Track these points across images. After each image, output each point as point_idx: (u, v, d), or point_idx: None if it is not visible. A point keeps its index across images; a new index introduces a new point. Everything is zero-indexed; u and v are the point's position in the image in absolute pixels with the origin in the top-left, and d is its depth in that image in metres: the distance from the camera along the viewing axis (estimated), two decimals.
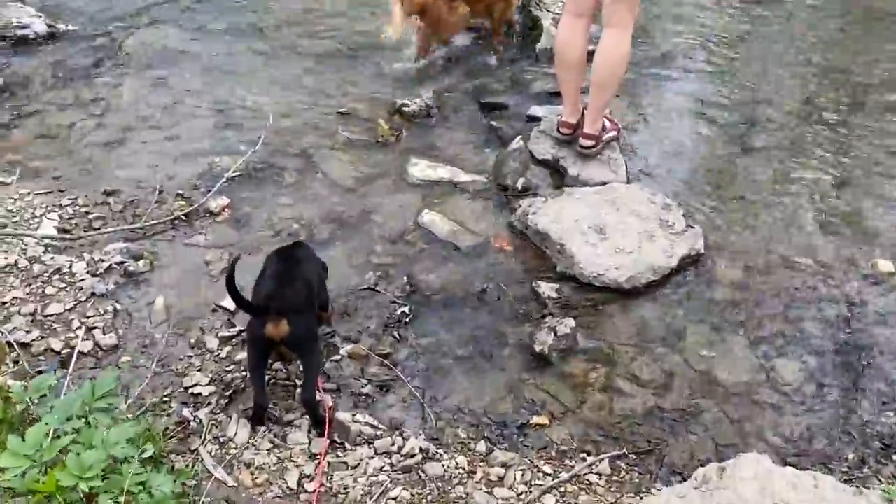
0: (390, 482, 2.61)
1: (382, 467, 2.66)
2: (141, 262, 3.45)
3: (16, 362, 2.94)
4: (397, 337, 3.16)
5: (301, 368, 2.79)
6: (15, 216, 3.67)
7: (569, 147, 4.03)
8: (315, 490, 2.54)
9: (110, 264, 3.44)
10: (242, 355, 3.00)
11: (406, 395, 2.94)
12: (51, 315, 3.17)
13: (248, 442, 2.71)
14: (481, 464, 2.72)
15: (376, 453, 2.69)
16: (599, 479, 2.68)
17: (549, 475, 2.68)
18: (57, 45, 5.12)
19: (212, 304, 3.29)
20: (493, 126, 4.46)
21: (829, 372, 3.06)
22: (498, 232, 3.75)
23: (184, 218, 3.73)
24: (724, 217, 3.82)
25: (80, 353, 3.02)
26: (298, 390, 2.80)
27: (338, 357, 3.06)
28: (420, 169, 4.11)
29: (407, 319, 3.23)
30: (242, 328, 3.09)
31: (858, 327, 3.24)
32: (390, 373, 3.01)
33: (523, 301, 3.36)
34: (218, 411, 2.83)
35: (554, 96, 4.49)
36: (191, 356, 3.06)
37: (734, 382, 3.02)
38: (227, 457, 2.66)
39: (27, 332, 3.07)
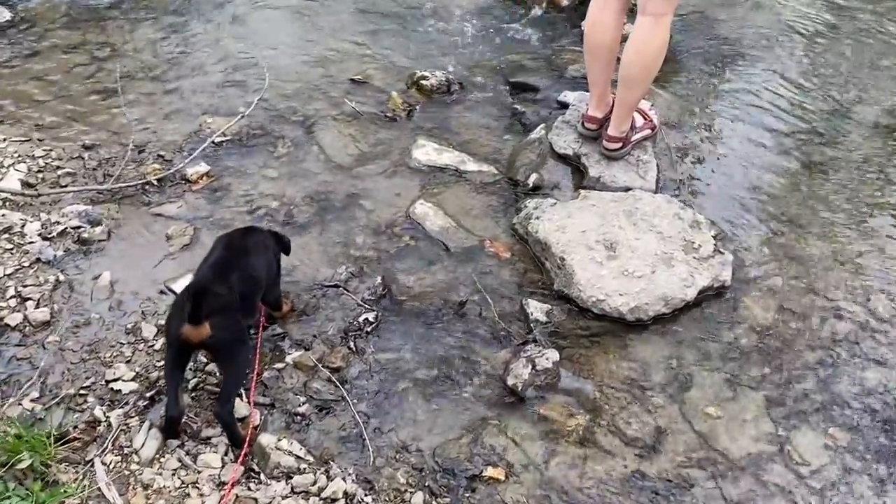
0: None
1: None
2: (98, 229, 3.07)
3: None
4: (353, 348, 2.69)
5: (221, 377, 2.37)
6: None
7: (594, 142, 3.43)
8: None
9: (66, 227, 3.07)
10: None
11: (348, 421, 2.47)
12: None
13: (153, 457, 2.31)
14: None
15: (293, 491, 2.23)
16: None
17: None
18: None
19: (161, 284, 2.89)
20: (517, 110, 3.88)
21: (860, 455, 2.44)
22: (496, 234, 3.20)
23: (155, 183, 3.32)
24: (765, 243, 3.17)
25: (7, 325, 2.68)
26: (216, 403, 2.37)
27: (282, 365, 2.62)
28: (425, 152, 3.58)
29: (370, 328, 2.75)
30: None
31: None
32: (336, 391, 2.55)
33: (508, 320, 2.83)
34: (133, 414, 2.43)
35: None
36: (123, 344, 2.67)
37: (739, 453, 2.44)
38: (127, 473, 2.27)
39: None
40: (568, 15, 4.67)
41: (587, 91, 3.42)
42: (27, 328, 2.69)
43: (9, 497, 1.83)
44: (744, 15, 4.73)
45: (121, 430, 2.37)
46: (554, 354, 2.61)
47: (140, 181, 3.31)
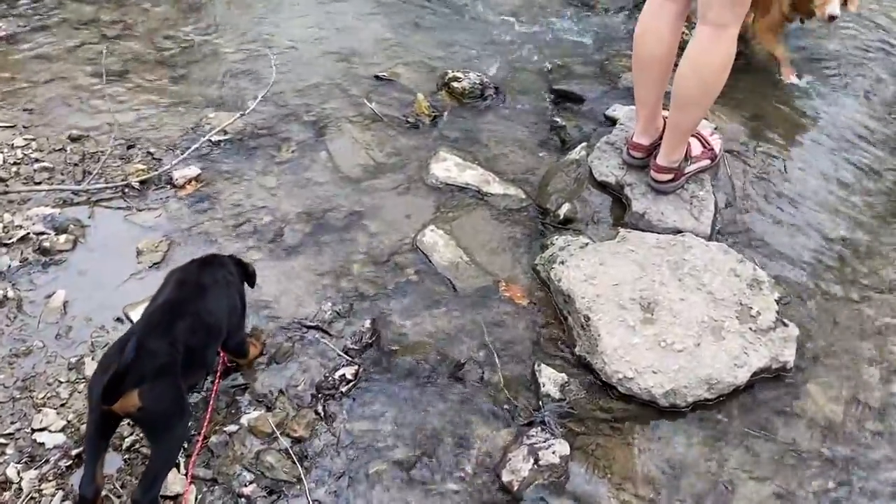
0: None
1: None
2: (62, 238, 2.64)
3: None
4: (322, 413, 2.18)
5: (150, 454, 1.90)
6: None
7: (642, 170, 2.82)
8: None
9: (28, 232, 2.65)
10: None
11: None
12: None
13: None
14: None
15: None
16: None
17: None
18: None
19: (119, 309, 2.44)
20: (557, 123, 3.28)
21: None
22: (513, 275, 2.64)
23: (136, 186, 2.87)
24: (842, 315, 2.52)
25: None
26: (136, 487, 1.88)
27: (235, 427, 2.13)
28: (445, 167, 3.03)
29: (345, 388, 2.25)
30: None
31: None
32: (293, 470, 2.05)
33: (514, 388, 2.28)
34: (51, 478, 1.99)
35: None
36: (62, 382, 2.23)
37: None
38: None
39: None
40: (630, 14, 4.02)
41: None
42: None
43: None
44: (843, 23, 3.98)
45: (31, 497, 1.94)
46: (563, 447, 2.05)
47: (121, 183, 2.87)
